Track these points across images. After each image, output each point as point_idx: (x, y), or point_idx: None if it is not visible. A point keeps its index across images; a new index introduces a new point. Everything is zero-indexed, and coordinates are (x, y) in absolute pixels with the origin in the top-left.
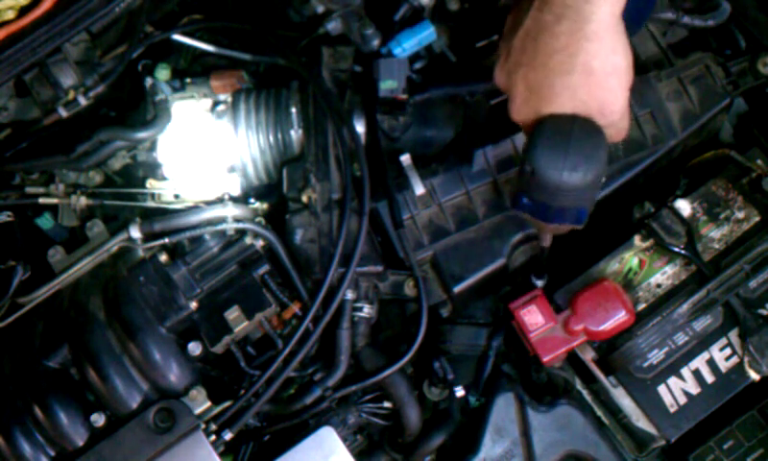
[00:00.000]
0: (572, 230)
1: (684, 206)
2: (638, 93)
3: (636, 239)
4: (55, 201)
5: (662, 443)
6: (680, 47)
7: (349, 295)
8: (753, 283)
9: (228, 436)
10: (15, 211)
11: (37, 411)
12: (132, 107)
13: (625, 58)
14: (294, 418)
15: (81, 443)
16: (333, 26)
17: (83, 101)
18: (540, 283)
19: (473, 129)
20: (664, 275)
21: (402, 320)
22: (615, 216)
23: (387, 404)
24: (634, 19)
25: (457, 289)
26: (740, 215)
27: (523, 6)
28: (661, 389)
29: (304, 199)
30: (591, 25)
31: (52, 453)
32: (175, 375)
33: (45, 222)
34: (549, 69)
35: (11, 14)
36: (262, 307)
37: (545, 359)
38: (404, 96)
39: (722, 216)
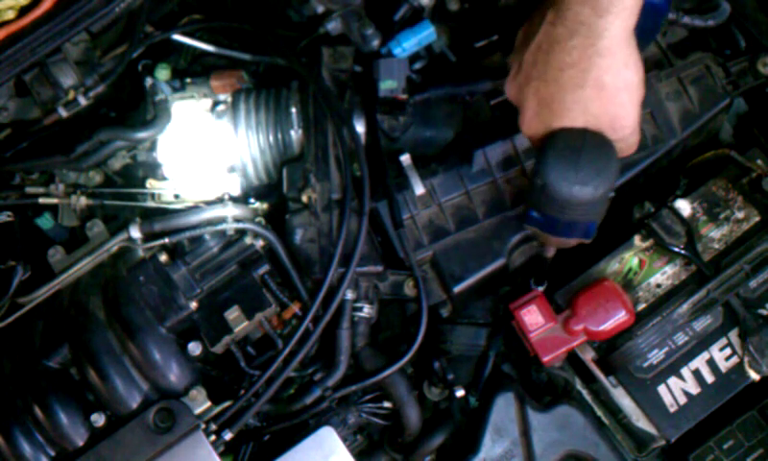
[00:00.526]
0: (579, 243)
1: (684, 206)
2: None
3: (636, 239)
4: (55, 201)
5: (662, 443)
6: (680, 47)
7: (349, 295)
8: (753, 283)
9: (227, 436)
10: (15, 211)
11: (37, 411)
12: (132, 107)
13: (637, 73)
14: (294, 418)
15: (81, 443)
16: (333, 26)
17: (83, 101)
18: (539, 289)
19: (473, 129)
20: (664, 275)
21: (402, 320)
22: (615, 216)
23: (387, 404)
24: (643, 35)
25: (457, 289)
26: (740, 215)
27: (535, 20)
28: (661, 389)
29: (304, 199)
30: (604, 41)
31: (52, 453)
32: (175, 375)
33: (45, 222)
34: (561, 84)
35: (11, 14)
36: (262, 307)
37: (545, 359)
38: (404, 96)
39: (722, 216)
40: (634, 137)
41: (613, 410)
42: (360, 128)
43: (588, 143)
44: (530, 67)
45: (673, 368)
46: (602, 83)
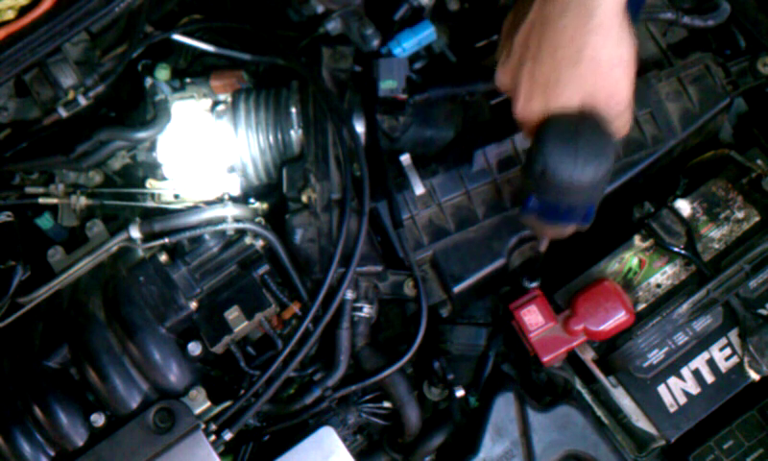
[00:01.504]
0: (574, 233)
1: (683, 206)
2: (638, 93)
3: (636, 239)
4: (55, 201)
5: (662, 443)
6: (680, 47)
7: (349, 295)
8: (753, 283)
9: (227, 436)
10: (15, 211)
11: (37, 411)
12: (132, 107)
13: (629, 49)
14: (294, 418)
15: (81, 443)
16: (333, 26)
17: (83, 101)
18: (532, 286)
19: (473, 129)
20: (664, 275)
21: (402, 320)
22: (615, 216)
23: (387, 404)
24: (631, 13)
25: (457, 289)
26: (740, 215)
27: (523, 4)
28: (661, 389)
29: (304, 199)
30: (596, 18)
31: (52, 453)
32: (175, 375)
33: (45, 222)
34: (556, 63)
35: (11, 14)
36: (262, 307)
37: (545, 359)
38: (404, 96)
39: (722, 216)
40: (627, 115)
41: (613, 410)
42: (360, 128)
43: (586, 126)
44: (522, 49)
45: (673, 368)
46: (597, 59)
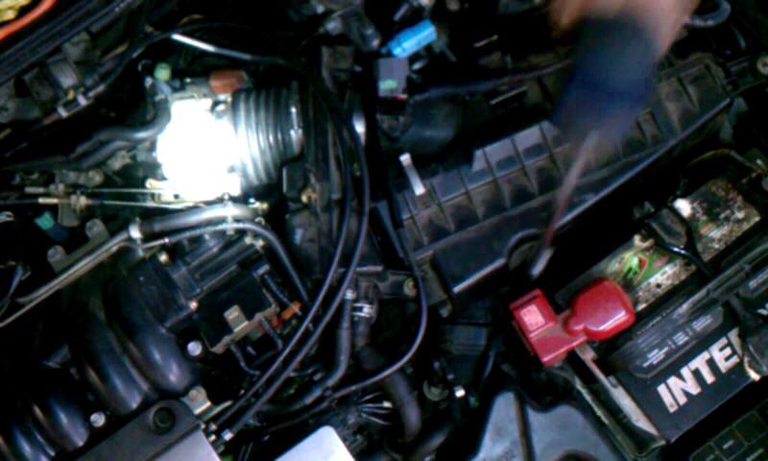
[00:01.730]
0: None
1: (683, 206)
2: None
3: (636, 239)
4: (55, 201)
5: (662, 443)
6: (680, 47)
7: (349, 295)
8: (753, 283)
9: (227, 436)
10: (15, 211)
11: (37, 411)
12: (131, 107)
13: None
14: (294, 418)
15: (80, 443)
16: (333, 26)
17: (83, 101)
18: (535, 270)
19: (473, 129)
20: (664, 275)
21: (402, 320)
22: (615, 216)
23: (387, 404)
24: None
25: (457, 289)
26: (740, 215)
27: None
28: (661, 389)
29: (304, 199)
30: None
31: (52, 453)
32: (175, 375)
33: (45, 222)
34: None
35: (11, 14)
36: (262, 307)
37: (545, 359)
38: (404, 96)
39: (722, 216)
40: (670, 22)
41: (613, 410)
42: (360, 128)
43: (625, 28)
44: None
45: (673, 368)
46: None
